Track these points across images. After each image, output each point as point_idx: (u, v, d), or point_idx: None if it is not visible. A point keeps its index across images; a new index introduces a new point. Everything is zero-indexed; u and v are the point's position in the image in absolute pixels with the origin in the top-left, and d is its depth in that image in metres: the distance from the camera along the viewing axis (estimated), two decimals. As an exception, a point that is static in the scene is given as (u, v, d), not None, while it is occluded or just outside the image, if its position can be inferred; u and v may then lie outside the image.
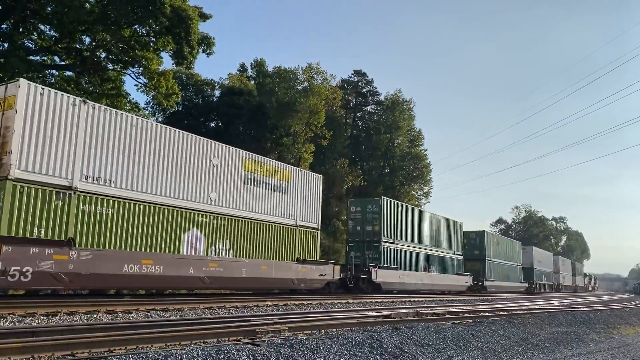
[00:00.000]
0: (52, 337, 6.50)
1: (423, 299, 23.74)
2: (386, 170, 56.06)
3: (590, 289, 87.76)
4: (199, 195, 16.50)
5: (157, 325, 8.62)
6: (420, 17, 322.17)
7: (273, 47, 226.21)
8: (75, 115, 13.38)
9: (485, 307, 18.84)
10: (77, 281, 12.81)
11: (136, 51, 27.69)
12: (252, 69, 50.59)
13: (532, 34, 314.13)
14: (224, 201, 17.39)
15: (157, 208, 15.14)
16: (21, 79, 12.65)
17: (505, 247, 44.84)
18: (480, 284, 38.08)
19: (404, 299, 22.40)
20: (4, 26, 25.75)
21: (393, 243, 26.85)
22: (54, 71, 28.68)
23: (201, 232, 16.44)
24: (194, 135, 16.87)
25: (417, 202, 55.16)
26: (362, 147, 55.60)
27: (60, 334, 6.93)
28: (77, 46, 28.25)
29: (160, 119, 42.43)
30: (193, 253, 16.09)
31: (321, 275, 21.30)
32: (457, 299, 26.57)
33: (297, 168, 21.73)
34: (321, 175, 23.15)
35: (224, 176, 17.55)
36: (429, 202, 59.08)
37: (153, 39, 27.64)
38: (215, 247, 16.84)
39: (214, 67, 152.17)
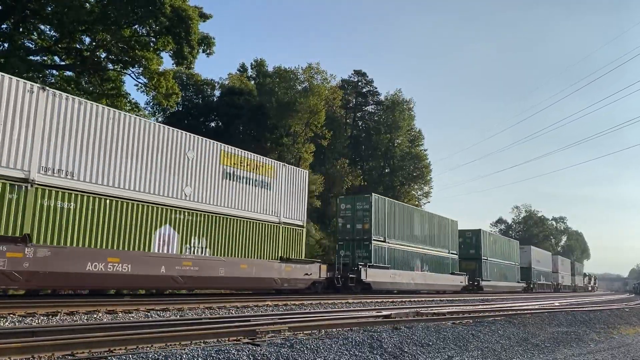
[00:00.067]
0: (52, 337, 6.50)
1: (423, 299, 23.73)
2: (386, 170, 56.08)
3: (590, 289, 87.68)
4: (172, 190, 15.68)
5: (157, 325, 8.62)
6: (420, 17, 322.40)
7: (273, 47, 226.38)
8: (33, 102, 12.54)
9: (485, 307, 18.83)
10: (33, 280, 12.04)
11: (136, 51, 27.70)
12: (252, 69, 50.66)
13: (532, 34, 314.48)
14: (200, 196, 16.57)
15: (125, 203, 14.26)
16: None
17: (502, 246, 44.35)
18: (476, 283, 37.56)
19: (404, 299, 22.39)
20: (4, 26, 25.74)
21: (384, 241, 26.19)
22: (54, 71, 28.70)
23: (174, 228, 15.62)
24: (166, 127, 16.15)
25: (417, 202, 55.17)
26: (362, 147, 55.62)
27: (60, 334, 6.93)
28: (77, 46, 28.26)
29: (160, 119, 42.47)
30: (165, 251, 15.25)
31: (306, 274, 20.48)
32: (457, 299, 26.56)
33: (281, 163, 20.88)
34: (307, 171, 22.35)
35: (200, 170, 16.72)
36: (429, 202, 59.16)
37: (153, 39, 27.65)
38: (190, 244, 16.02)
39: (214, 67, 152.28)
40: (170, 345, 6.86)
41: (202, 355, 5.96)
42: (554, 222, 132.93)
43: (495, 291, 39.71)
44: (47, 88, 13.03)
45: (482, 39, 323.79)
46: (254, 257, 18.29)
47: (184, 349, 6.28)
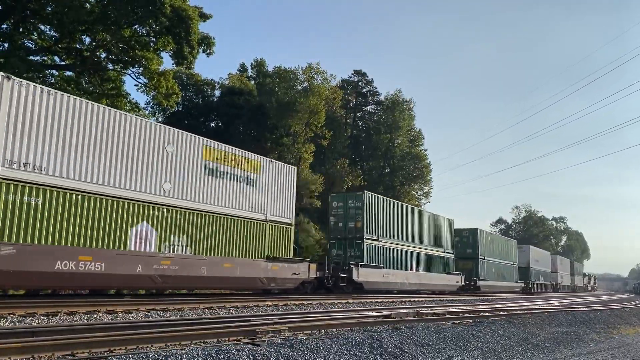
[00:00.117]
0: (52, 337, 6.50)
1: (423, 299, 23.73)
2: (386, 170, 56.09)
3: (589, 289, 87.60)
4: (149, 186, 14.99)
5: (157, 325, 8.62)
6: (420, 17, 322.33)
7: (273, 47, 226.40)
8: None
9: (485, 307, 18.84)
10: None
11: (136, 51, 27.71)
12: (252, 69, 50.65)
13: (532, 34, 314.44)
14: (180, 193, 15.89)
15: (98, 198, 13.60)
16: None
17: (500, 246, 43.75)
18: (473, 283, 36.94)
19: (403, 299, 22.39)
20: (4, 26, 25.75)
21: (377, 240, 25.63)
22: (54, 71, 28.71)
23: (152, 226, 14.95)
24: (143, 119, 15.54)
25: (417, 202, 55.19)
26: (362, 147, 55.62)
27: (60, 334, 6.93)
28: (77, 46, 28.26)
29: (160, 119, 42.49)
30: (143, 249, 14.59)
31: (294, 274, 19.85)
32: (457, 299, 26.56)
33: (268, 159, 20.02)
34: (295, 167, 21.73)
35: (181, 165, 16.05)
36: (429, 202, 59.18)
37: (153, 39, 27.65)
38: (169, 243, 15.37)
39: (214, 67, 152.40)
40: (171, 345, 6.86)
41: (202, 355, 5.96)
42: (554, 222, 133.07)
43: (492, 291, 39.18)
44: (12, 77, 12.31)
45: (482, 39, 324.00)
46: (239, 256, 17.64)
47: (184, 349, 6.28)
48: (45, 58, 28.59)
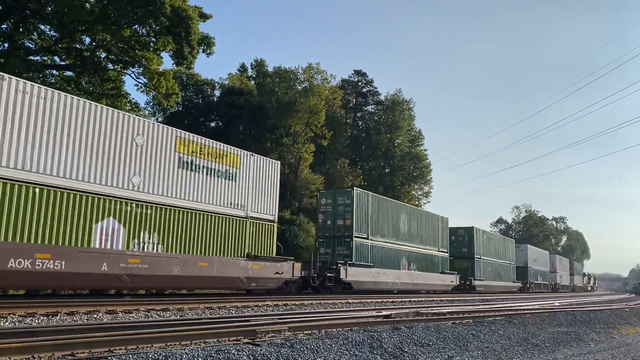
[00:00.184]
0: (52, 337, 6.50)
1: (423, 299, 23.73)
2: (386, 170, 56.10)
3: (589, 288, 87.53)
4: (116, 179, 14.11)
5: (157, 325, 8.62)
6: (420, 17, 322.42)
7: (273, 47, 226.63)
8: None
9: (485, 307, 18.84)
10: None
11: (136, 51, 27.72)
12: (252, 69, 50.68)
13: (532, 34, 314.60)
14: (151, 187, 15.02)
15: (57, 192, 12.72)
16: None
17: (496, 245, 42.93)
18: (468, 283, 36.19)
19: (403, 299, 22.39)
20: (4, 26, 25.75)
21: (367, 238, 24.75)
22: (54, 71, 28.71)
23: (120, 222, 14.08)
24: (110, 109, 14.56)
25: (417, 202, 55.20)
26: (362, 147, 55.64)
27: (60, 334, 6.92)
28: (77, 46, 28.27)
29: (160, 119, 42.49)
30: (109, 246, 13.77)
31: (277, 273, 18.97)
32: (457, 299, 26.55)
33: (249, 152, 19.03)
34: (279, 162, 20.80)
35: (151, 158, 15.16)
36: (429, 202, 59.20)
37: (153, 39, 27.66)
38: (139, 240, 14.53)
39: (214, 67, 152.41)
40: (170, 345, 6.86)
41: (202, 355, 5.96)
42: (554, 222, 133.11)
43: (488, 291, 38.36)
44: None
45: (482, 39, 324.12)
46: (217, 255, 16.82)
47: (184, 349, 6.28)
48: (45, 58, 28.60)
